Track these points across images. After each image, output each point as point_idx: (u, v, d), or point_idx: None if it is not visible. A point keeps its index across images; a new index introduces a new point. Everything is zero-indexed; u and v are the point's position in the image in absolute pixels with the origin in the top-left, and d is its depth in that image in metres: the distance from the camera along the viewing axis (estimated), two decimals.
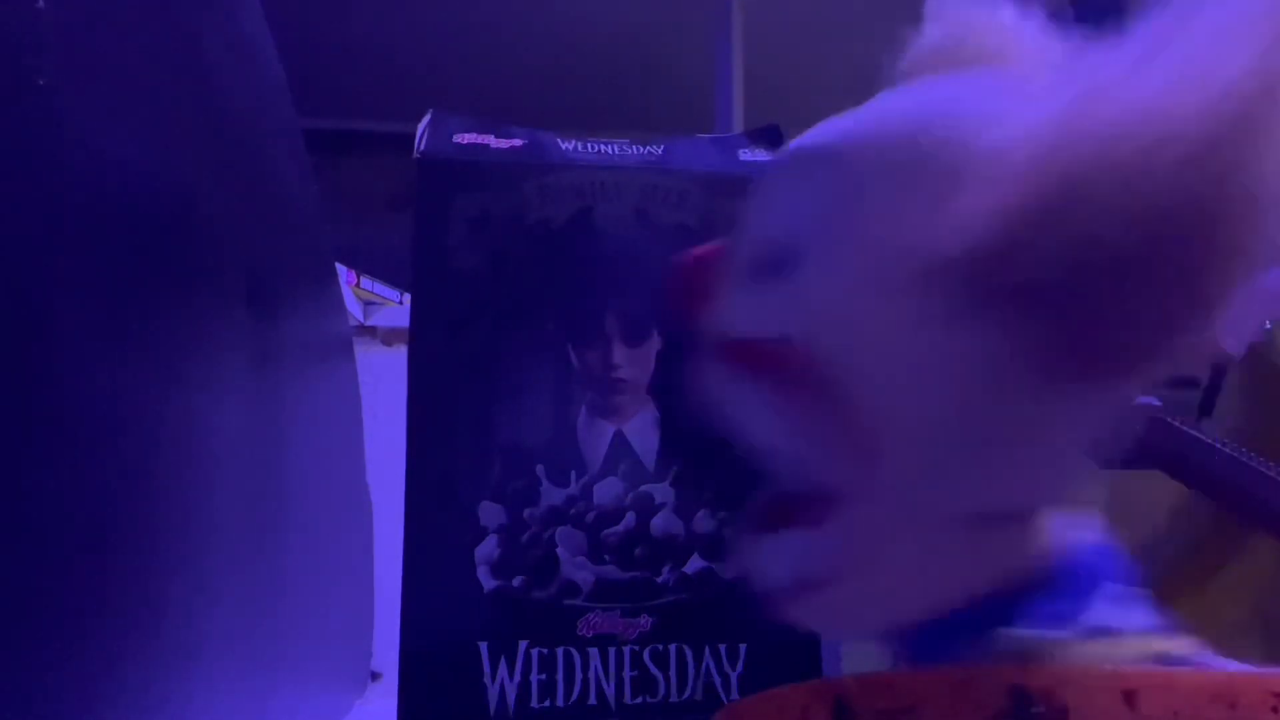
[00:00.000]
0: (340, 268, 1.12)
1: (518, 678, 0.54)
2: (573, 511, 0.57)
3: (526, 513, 0.57)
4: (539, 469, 0.58)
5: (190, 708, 0.43)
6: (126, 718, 0.37)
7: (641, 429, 0.58)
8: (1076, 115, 0.27)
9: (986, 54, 0.37)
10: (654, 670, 0.55)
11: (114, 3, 0.38)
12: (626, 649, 0.55)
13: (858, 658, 0.47)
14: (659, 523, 0.57)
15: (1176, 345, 0.28)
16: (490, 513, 0.58)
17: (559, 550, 0.56)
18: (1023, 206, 0.26)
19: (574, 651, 0.55)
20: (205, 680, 0.45)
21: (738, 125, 1.50)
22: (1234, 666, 0.36)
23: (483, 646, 0.55)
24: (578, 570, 0.56)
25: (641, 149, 0.62)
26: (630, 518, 0.57)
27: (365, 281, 1.33)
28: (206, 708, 0.45)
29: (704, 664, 0.56)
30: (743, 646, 0.55)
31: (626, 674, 0.55)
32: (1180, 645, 0.34)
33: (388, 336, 1.35)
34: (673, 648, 0.56)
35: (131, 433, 0.38)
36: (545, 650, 0.55)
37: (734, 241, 0.35)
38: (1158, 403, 0.74)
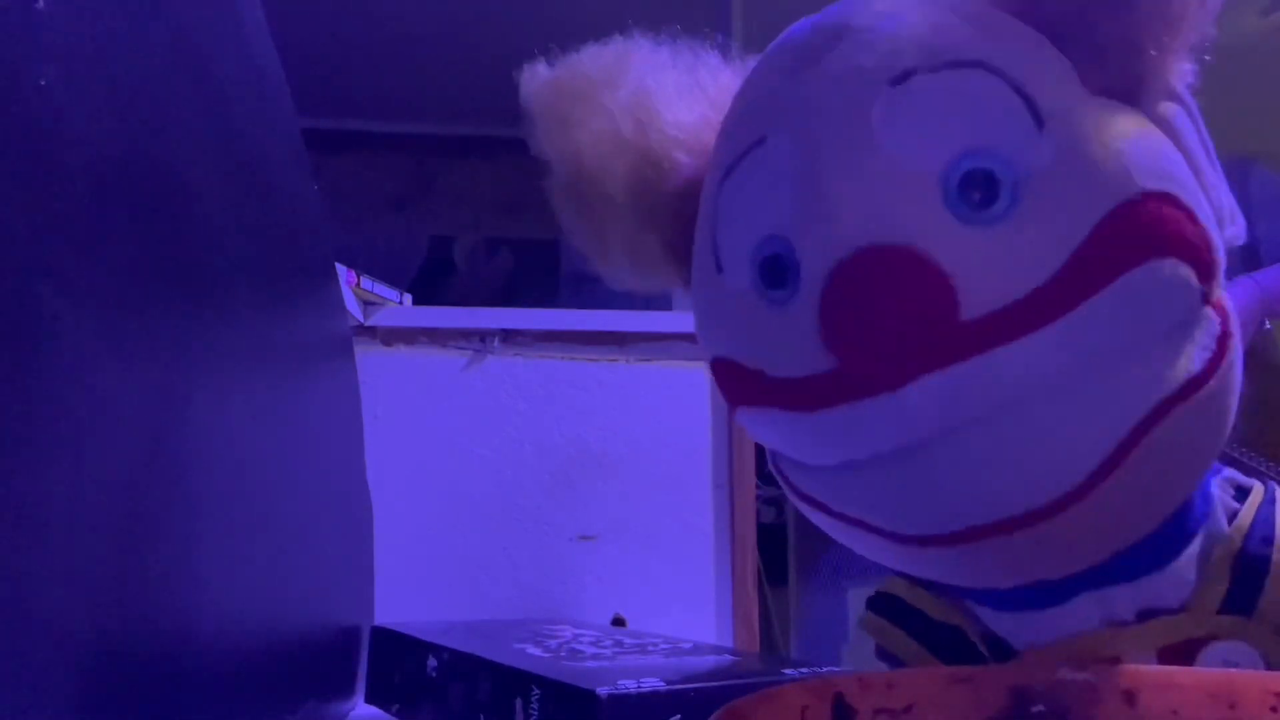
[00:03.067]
0: (340, 268, 1.12)
1: None
2: None
3: None
4: None
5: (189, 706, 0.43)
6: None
7: None
8: None
9: (631, 106, 0.42)
10: None
11: (114, 3, 0.38)
12: None
13: (858, 658, 0.47)
14: None
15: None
16: None
17: None
18: None
19: None
20: (205, 679, 0.45)
21: None
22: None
23: None
24: None
25: None
26: None
27: (365, 281, 1.33)
28: (205, 706, 0.45)
29: None
30: None
31: None
32: None
33: (388, 336, 1.35)
34: None
35: (129, 433, 0.38)
36: None
37: None
38: None
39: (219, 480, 0.48)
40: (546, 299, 2.35)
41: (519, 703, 0.55)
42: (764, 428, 0.39)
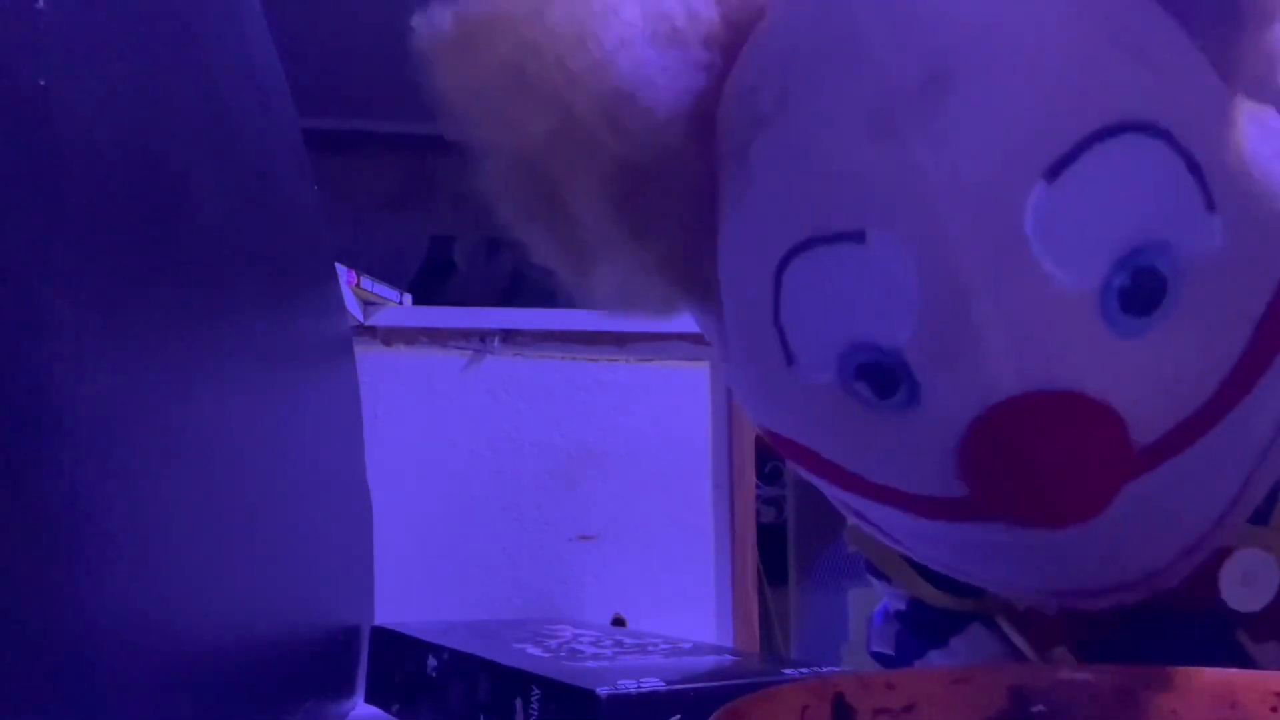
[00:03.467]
0: (340, 268, 1.12)
1: None
2: None
3: None
4: None
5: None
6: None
7: None
8: None
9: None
10: None
11: (114, 3, 0.38)
12: None
13: (858, 657, 0.47)
14: None
15: None
16: None
17: None
18: None
19: None
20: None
21: None
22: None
23: None
24: None
25: None
26: None
27: (365, 281, 1.33)
28: (205, 706, 0.45)
29: None
30: None
31: None
32: None
33: (388, 336, 1.35)
34: None
35: (129, 433, 0.38)
36: None
37: None
38: None
39: (218, 480, 0.48)
40: (546, 299, 2.35)
41: (519, 703, 0.55)
42: (865, 508, 0.36)
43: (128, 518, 0.37)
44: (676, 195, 0.34)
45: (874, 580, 0.46)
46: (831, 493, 0.37)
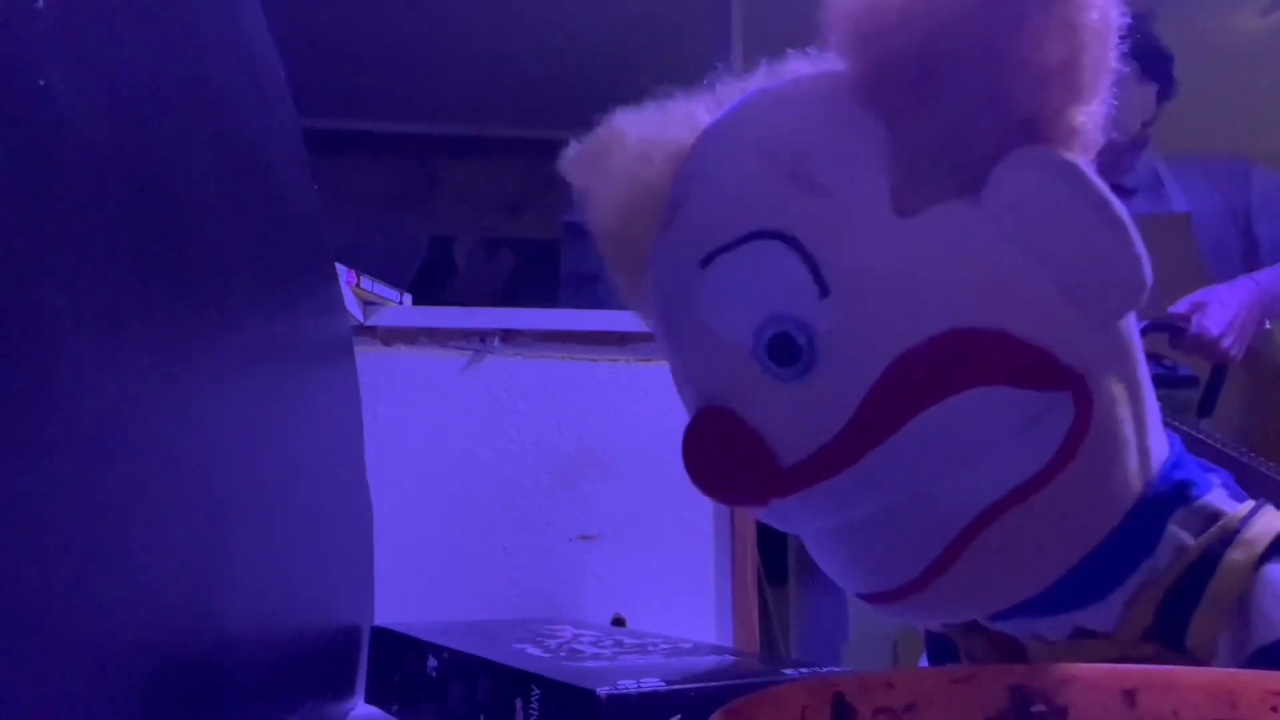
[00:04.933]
0: (340, 268, 1.12)
1: None
2: None
3: None
4: None
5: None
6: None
7: None
8: None
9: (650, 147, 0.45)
10: None
11: (113, 2, 0.38)
12: None
13: (858, 657, 0.47)
14: None
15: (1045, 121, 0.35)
16: None
17: None
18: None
19: None
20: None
21: None
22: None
23: None
24: None
25: None
26: None
27: (365, 281, 1.32)
28: (205, 706, 0.45)
29: None
30: None
31: None
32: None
33: (388, 336, 1.35)
34: None
35: (130, 432, 0.38)
36: None
37: None
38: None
39: (218, 480, 0.48)
40: (546, 299, 2.35)
41: (519, 703, 0.55)
42: None
43: (128, 518, 0.37)
44: None
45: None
46: None
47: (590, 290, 2.33)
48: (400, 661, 0.74)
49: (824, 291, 0.36)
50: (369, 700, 0.78)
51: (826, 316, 0.36)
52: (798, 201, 0.37)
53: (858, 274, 0.36)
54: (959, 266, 0.36)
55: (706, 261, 0.39)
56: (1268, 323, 1.31)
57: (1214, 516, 0.39)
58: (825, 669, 0.61)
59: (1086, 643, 0.40)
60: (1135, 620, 0.38)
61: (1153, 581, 0.38)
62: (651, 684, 0.50)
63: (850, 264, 0.36)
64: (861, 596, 0.42)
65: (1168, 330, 1.24)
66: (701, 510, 1.35)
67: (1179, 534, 0.39)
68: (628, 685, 0.49)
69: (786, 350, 0.37)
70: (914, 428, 0.36)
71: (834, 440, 0.37)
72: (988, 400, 0.36)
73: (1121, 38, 0.35)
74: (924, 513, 0.38)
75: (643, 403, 1.35)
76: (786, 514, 0.40)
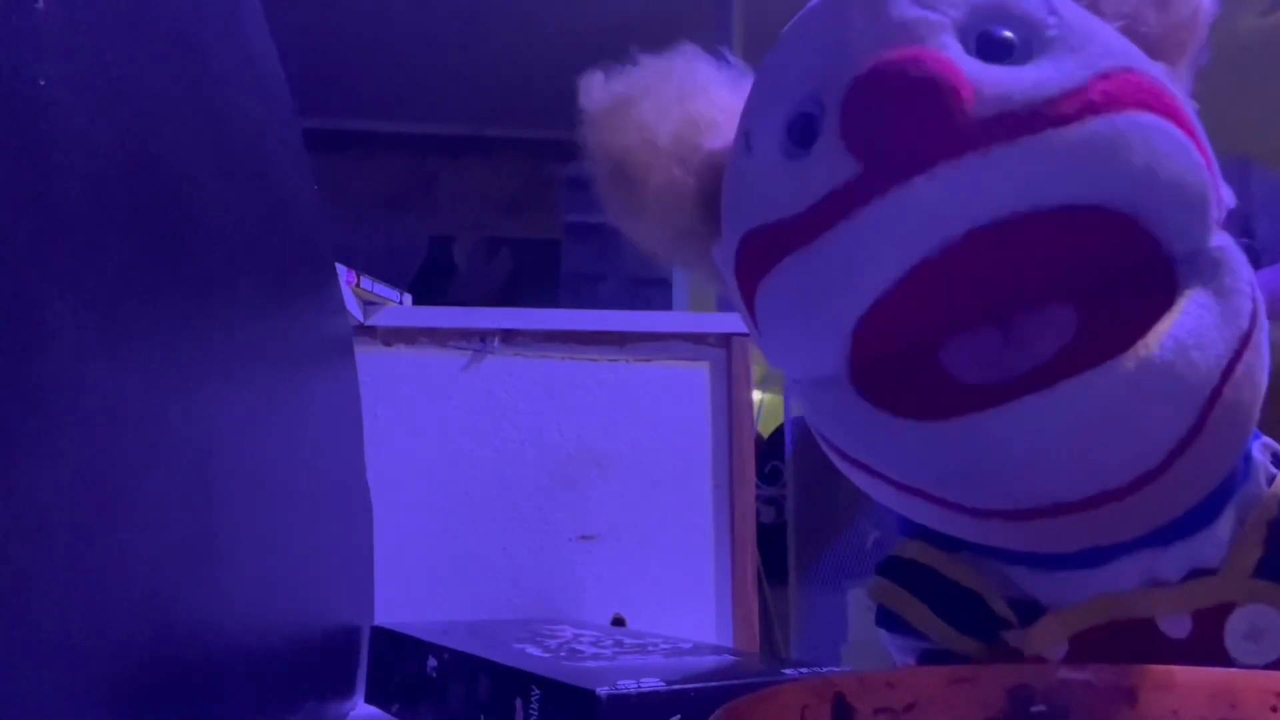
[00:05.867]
0: (340, 268, 1.12)
1: None
2: None
3: None
4: None
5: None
6: None
7: None
8: None
9: (678, 86, 0.45)
10: None
11: (114, 3, 0.38)
12: None
13: (858, 657, 0.47)
14: None
15: None
16: None
17: None
18: None
19: None
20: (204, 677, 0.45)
21: None
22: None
23: None
24: None
25: None
26: None
27: (365, 281, 1.32)
28: (205, 706, 0.45)
29: None
30: None
31: None
32: None
33: (388, 336, 1.35)
34: None
35: (129, 432, 0.38)
36: None
37: None
38: None
39: (218, 480, 0.48)
40: (546, 299, 2.35)
41: (519, 703, 0.55)
42: (784, 291, 0.38)
43: (126, 517, 0.37)
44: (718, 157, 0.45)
45: (886, 636, 0.46)
46: (777, 276, 0.39)
47: (590, 290, 2.33)
48: (400, 661, 0.74)
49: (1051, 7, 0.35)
50: (369, 700, 0.78)
51: (1053, 26, 0.35)
52: None
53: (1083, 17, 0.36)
54: None
55: None
56: (1267, 323, 1.31)
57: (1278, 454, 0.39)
58: (825, 669, 0.61)
59: (1201, 583, 0.37)
60: (1245, 552, 0.37)
61: (1254, 509, 0.37)
62: (651, 684, 0.50)
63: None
64: (1037, 511, 0.34)
65: None
66: (702, 510, 1.35)
67: (1266, 464, 0.39)
68: (628, 685, 0.49)
69: (999, 47, 0.35)
70: (1123, 123, 0.33)
71: (1044, 101, 0.33)
72: (1183, 142, 0.34)
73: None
74: (1182, 373, 0.32)
75: (643, 403, 1.35)
76: (952, 185, 0.32)
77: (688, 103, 0.45)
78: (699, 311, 1.60)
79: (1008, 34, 0.35)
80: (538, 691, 0.54)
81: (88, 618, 0.34)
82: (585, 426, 1.35)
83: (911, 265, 0.34)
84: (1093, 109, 0.33)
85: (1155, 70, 0.36)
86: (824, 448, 0.41)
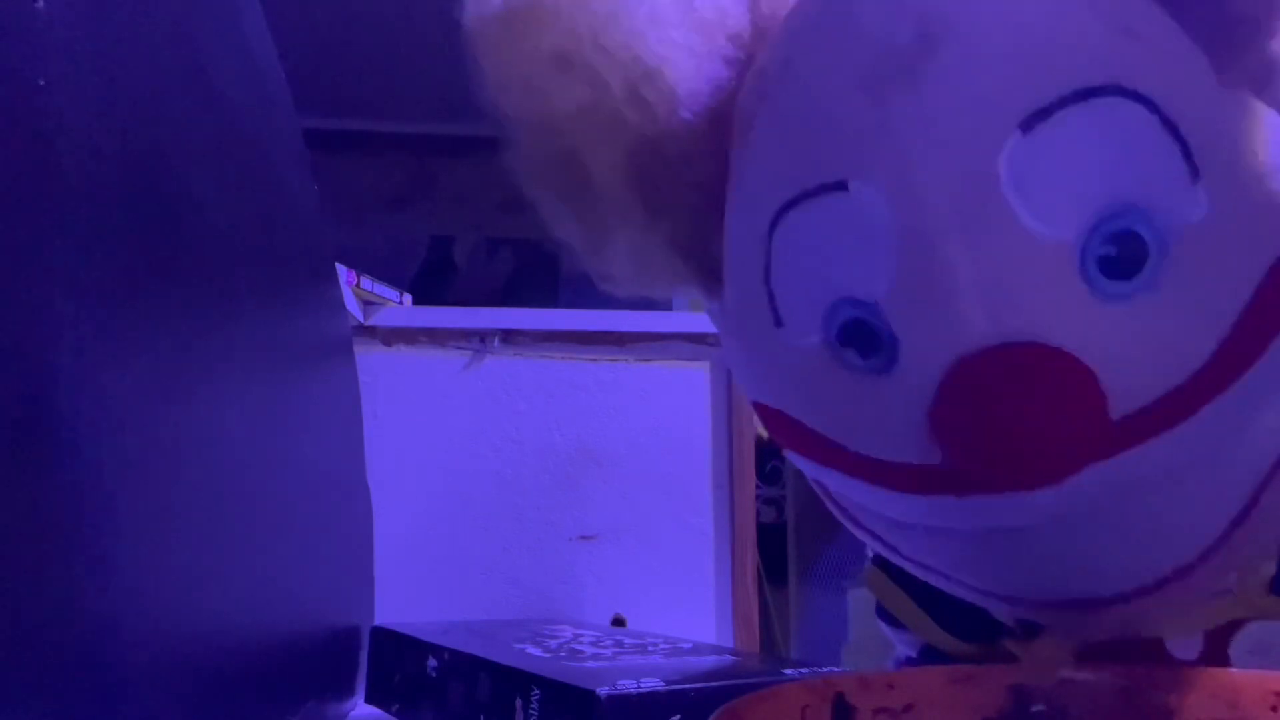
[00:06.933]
0: (340, 268, 1.12)
1: None
2: None
3: None
4: None
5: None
6: None
7: None
8: None
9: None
10: None
11: (114, 3, 0.38)
12: None
13: (858, 657, 0.47)
14: None
15: None
16: None
17: None
18: None
19: None
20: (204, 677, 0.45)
21: None
22: None
23: None
24: None
25: None
26: None
27: (365, 281, 1.32)
28: (205, 706, 0.45)
29: None
30: None
31: None
32: None
33: (388, 336, 1.35)
34: None
35: (129, 432, 0.38)
36: None
37: None
38: None
39: (218, 480, 0.48)
40: (546, 299, 2.35)
41: (519, 703, 0.55)
42: (844, 488, 0.35)
43: (127, 518, 0.37)
44: (689, 178, 0.35)
45: (887, 628, 0.46)
46: (812, 471, 0.36)
47: (590, 290, 2.32)
48: (400, 661, 0.73)
49: (1194, 170, 0.27)
50: (369, 700, 0.78)
51: (1197, 204, 0.27)
52: (1131, 49, 0.28)
53: (1232, 152, 0.28)
54: None
55: (1034, 120, 0.27)
56: None
57: None
58: (825, 669, 0.61)
59: (1213, 603, 0.35)
60: (1258, 568, 0.35)
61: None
62: (651, 684, 0.50)
63: (1220, 138, 0.28)
64: (1067, 604, 0.32)
65: None
66: (701, 510, 1.35)
67: None
68: (628, 685, 0.49)
69: (1131, 251, 0.28)
70: (1272, 354, 0.28)
71: (1190, 380, 0.27)
72: None
73: None
74: (1222, 477, 0.29)
75: (643, 403, 1.35)
76: (1075, 489, 0.27)
77: (646, 44, 0.33)
78: (699, 311, 1.60)
79: (1137, 231, 0.28)
80: (538, 691, 0.54)
81: (86, 618, 0.34)
82: (585, 426, 1.35)
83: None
84: (1250, 357, 0.28)
85: None
86: (856, 531, 0.39)
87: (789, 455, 0.36)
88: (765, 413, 0.37)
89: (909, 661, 0.47)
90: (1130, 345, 0.28)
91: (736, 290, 0.36)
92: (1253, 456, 0.30)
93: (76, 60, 0.33)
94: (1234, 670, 0.34)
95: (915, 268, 0.29)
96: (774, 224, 0.32)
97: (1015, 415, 0.27)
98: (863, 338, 0.31)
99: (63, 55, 0.32)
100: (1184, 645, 0.37)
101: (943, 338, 0.29)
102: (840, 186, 0.30)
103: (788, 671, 0.60)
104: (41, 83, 0.30)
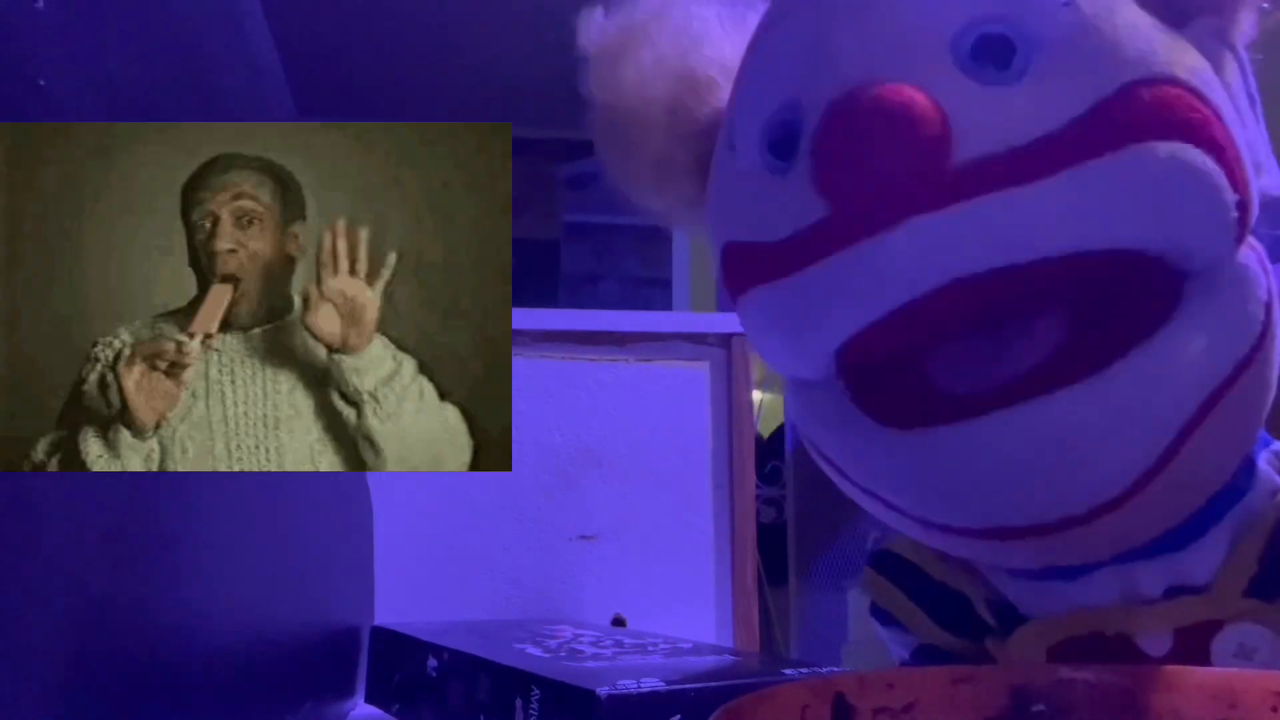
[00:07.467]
0: None
1: None
2: None
3: None
4: None
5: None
6: None
7: None
8: None
9: (676, 35, 0.43)
10: None
11: (114, 3, 0.38)
12: None
13: (858, 657, 0.47)
14: None
15: None
16: None
17: None
18: None
19: None
20: (204, 677, 0.45)
21: None
22: None
23: None
24: None
25: None
26: None
27: None
28: (205, 706, 0.45)
29: None
30: None
31: None
32: None
33: None
34: None
35: None
36: None
37: None
38: None
39: (219, 480, 0.48)
40: (546, 299, 2.35)
41: (519, 703, 0.55)
42: (762, 314, 0.38)
43: (127, 518, 0.37)
44: (715, 119, 0.43)
45: (881, 628, 0.46)
46: (755, 298, 0.38)
47: (590, 290, 2.33)
48: (400, 661, 0.73)
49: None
50: (369, 700, 0.78)
51: (1065, 22, 0.32)
52: None
53: None
54: (1191, 51, 0.33)
55: None
56: None
57: None
58: (825, 669, 0.61)
59: (1185, 601, 0.36)
60: (1238, 569, 0.36)
61: (1251, 524, 0.36)
62: (651, 684, 0.50)
63: None
64: (999, 531, 0.34)
65: None
66: (701, 510, 1.35)
67: (1272, 475, 0.37)
68: (628, 685, 0.49)
69: (1000, 52, 0.32)
70: (1121, 161, 0.30)
71: (1032, 143, 0.30)
72: (1199, 165, 0.31)
73: None
74: (1150, 404, 0.31)
75: (643, 403, 1.35)
76: (927, 236, 0.30)
77: (686, 57, 0.43)
78: (699, 311, 1.60)
79: (1007, 34, 0.32)
80: (538, 691, 0.54)
81: (85, 618, 0.34)
82: (585, 426, 1.35)
83: (888, 310, 0.32)
84: (1093, 148, 0.30)
85: (1188, 63, 0.32)
86: (811, 452, 0.41)
87: (739, 310, 0.39)
88: (724, 257, 0.40)
89: (903, 663, 0.47)
90: (981, 108, 0.31)
91: (717, 145, 0.42)
92: (1180, 389, 0.32)
93: (76, 60, 0.33)
94: (1234, 671, 0.34)
95: (814, 54, 0.35)
96: (746, 60, 0.40)
97: (872, 140, 0.31)
98: (786, 143, 0.36)
99: (63, 55, 0.32)
100: (1153, 641, 0.37)
101: (822, 95, 0.33)
102: (783, 16, 0.38)
103: (788, 671, 0.60)
104: (42, 83, 0.31)
